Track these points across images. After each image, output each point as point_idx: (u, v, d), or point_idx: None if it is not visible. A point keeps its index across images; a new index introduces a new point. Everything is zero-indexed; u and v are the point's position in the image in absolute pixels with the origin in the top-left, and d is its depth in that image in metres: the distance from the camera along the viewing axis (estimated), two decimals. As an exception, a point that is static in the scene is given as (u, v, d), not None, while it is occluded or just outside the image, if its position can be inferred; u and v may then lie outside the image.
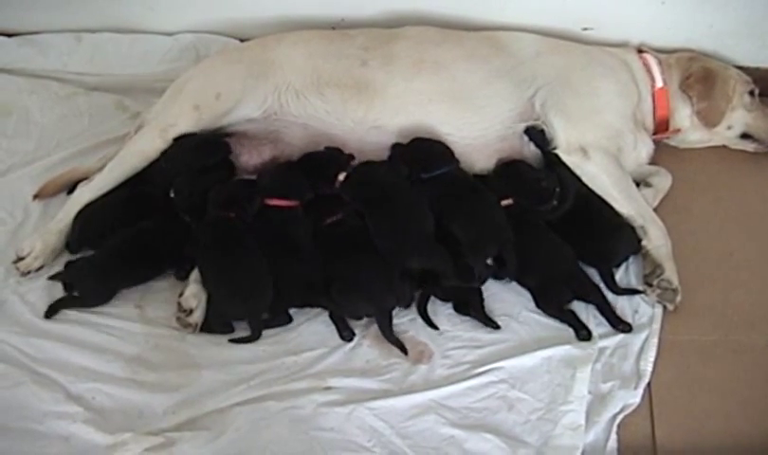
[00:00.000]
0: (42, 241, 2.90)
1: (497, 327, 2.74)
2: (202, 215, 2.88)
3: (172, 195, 2.95)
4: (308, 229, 2.89)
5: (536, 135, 3.08)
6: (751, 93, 3.30)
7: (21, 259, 2.87)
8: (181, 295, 2.76)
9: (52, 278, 2.85)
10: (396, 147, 3.04)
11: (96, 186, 3.02)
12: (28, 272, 2.86)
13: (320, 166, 2.99)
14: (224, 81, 3.15)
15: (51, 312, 2.76)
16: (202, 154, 3.02)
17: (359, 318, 2.77)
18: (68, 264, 2.88)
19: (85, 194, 3.01)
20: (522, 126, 3.09)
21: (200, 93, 3.14)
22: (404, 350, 2.68)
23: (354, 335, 2.73)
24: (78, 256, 2.92)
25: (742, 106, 3.29)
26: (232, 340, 2.72)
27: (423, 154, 3.00)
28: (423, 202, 2.88)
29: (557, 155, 3.03)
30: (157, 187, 3.00)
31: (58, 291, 2.83)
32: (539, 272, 2.83)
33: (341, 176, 2.95)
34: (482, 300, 2.79)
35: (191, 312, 2.73)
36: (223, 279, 2.73)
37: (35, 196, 3.14)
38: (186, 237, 2.87)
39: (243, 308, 2.72)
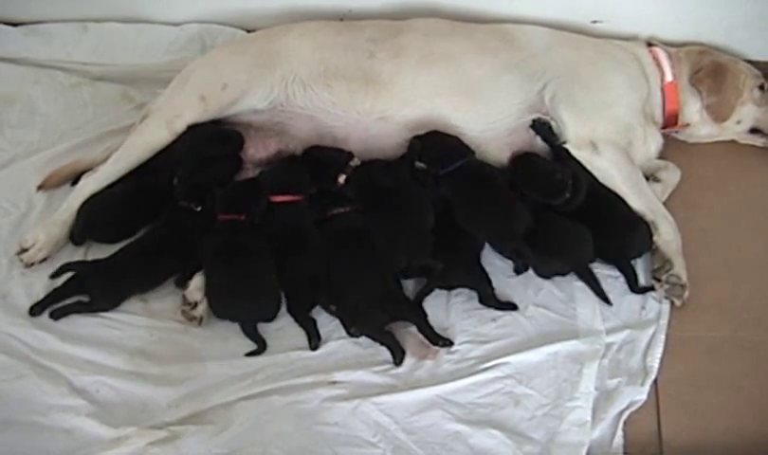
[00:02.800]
0: (45, 232, 2.88)
1: (514, 307, 2.75)
2: (200, 201, 2.88)
3: (174, 182, 2.95)
4: (313, 222, 2.89)
5: (541, 128, 3.06)
6: (761, 87, 3.28)
7: (24, 250, 2.86)
8: (186, 288, 2.75)
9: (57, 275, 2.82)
10: (414, 142, 3.01)
11: (101, 177, 3.01)
12: (32, 264, 2.85)
13: (320, 168, 2.96)
14: (230, 72, 3.13)
15: (59, 315, 2.72)
16: (215, 143, 3.02)
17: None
18: (74, 267, 2.84)
19: (90, 185, 3.00)
20: (530, 119, 3.07)
21: (206, 84, 3.12)
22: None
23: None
24: (79, 260, 2.89)
25: (752, 101, 3.27)
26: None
27: (437, 150, 2.97)
28: (423, 203, 2.88)
29: (566, 150, 3.01)
30: (163, 177, 2.99)
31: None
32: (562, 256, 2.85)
33: (341, 179, 2.93)
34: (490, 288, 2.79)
35: (195, 305, 2.72)
36: (231, 289, 2.71)
37: (39, 187, 3.13)
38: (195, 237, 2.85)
39: (246, 317, 2.70)
